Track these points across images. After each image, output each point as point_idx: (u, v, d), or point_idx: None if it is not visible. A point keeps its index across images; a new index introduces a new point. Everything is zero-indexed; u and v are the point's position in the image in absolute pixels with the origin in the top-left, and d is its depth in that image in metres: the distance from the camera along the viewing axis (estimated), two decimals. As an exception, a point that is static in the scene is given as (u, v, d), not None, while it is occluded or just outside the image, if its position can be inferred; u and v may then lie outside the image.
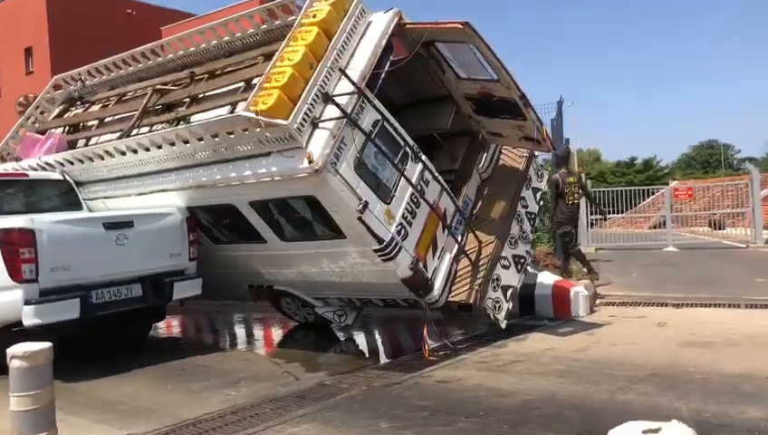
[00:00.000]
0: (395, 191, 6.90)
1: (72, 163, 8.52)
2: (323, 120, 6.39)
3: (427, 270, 7.04)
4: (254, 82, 6.96)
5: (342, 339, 8.72)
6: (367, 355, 8.21)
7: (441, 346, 7.14)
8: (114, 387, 6.54)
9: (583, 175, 15.72)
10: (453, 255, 7.45)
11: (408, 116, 7.70)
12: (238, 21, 8.29)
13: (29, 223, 6.67)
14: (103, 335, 8.38)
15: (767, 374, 5.45)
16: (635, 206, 19.64)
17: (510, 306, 7.62)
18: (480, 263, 7.50)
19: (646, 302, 9.10)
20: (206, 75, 8.21)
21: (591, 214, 16.25)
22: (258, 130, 6.33)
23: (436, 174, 7.39)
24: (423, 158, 7.29)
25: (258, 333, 10.19)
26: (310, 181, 6.33)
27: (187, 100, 8.04)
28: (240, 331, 10.47)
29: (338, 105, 6.44)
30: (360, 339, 8.92)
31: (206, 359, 7.71)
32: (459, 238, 7.54)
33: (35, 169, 8.81)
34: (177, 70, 8.84)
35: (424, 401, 5.30)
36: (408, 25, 7.32)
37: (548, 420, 4.69)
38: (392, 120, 7.04)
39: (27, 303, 6.52)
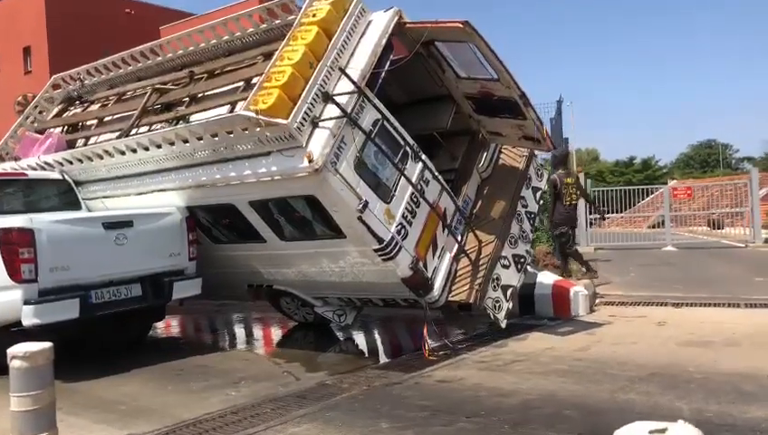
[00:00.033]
0: (395, 191, 6.89)
1: (71, 163, 8.49)
2: (323, 120, 6.38)
3: (427, 270, 7.03)
4: (254, 81, 6.95)
5: (342, 339, 8.72)
6: (367, 355, 8.20)
7: (441, 346, 7.14)
8: (114, 387, 6.53)
9: (582, 175, 15.74)
10: (453, 254, 7.44)
11: (407, 115, 7.69)
12: (238, 20, 8.27)
13: (28, 223, 6.65)
14: (103, 335, 8.37)
15: (768, 373, 5.45)
16: (633, 205, 19.67)
17: (510, 306, 7.61)
18: (480, 262, 7.49)
19: (645, 301, 9.10)
20: (206, 75, 8.20)
21: (590, 214, 16.25)
22: (258, 129, 6.32)
23: (437, 173, 7.38)
24: (423, 157, 7.28)
25: (258, 332, 10.17)
26: (310, 181, 6.32)
27: (187, 99, 8.03)
28: (239, 330, 10.46)
29: (338, 104, 6.42)
30: (360, 339, 8.91)
31: (206, 359, 7.70)
32: (459, 238, 7.53)
33: (34, 169, 8.79)
34: (177, 69, 8.82)
35: (425, 401, 5.30)
36: (407, 25, 7.31)
37: (549, 420, 4.68)
38: (392, 119, 7.03)
39: (26, 303, 6.50)
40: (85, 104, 9.98)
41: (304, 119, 6.28)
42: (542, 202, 9.36)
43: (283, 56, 6.53)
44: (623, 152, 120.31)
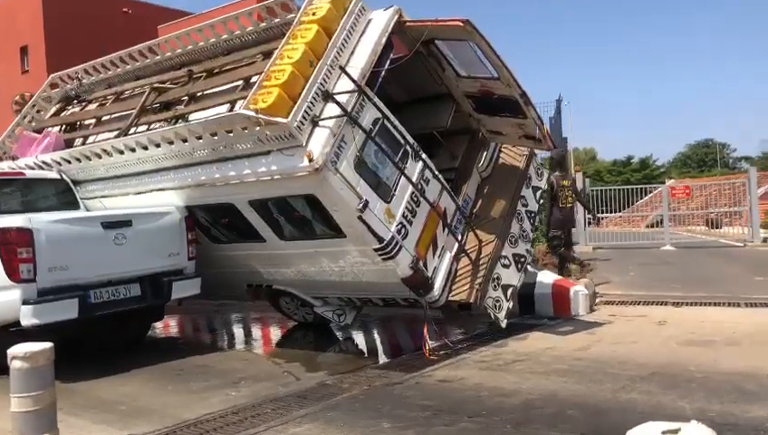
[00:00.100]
0: (395, 190, 6.87)
1: (69, 162, 8.45)
2: (323, 119, 6.36)
3: (427, 269, 7.01)
4: (254, 80, 6.92)
5: (342, 338, 8.70)
6: (367, 355, 8.17)
7: (441, 345, 7.12)
8: (113, 387, 6.50)
9: (581, 174, 15.76)
10: (453, 254, 7.43)
11: (407, 114, 7.67)
12: (237, 19, 8.24)
13: (27, 222, 6.61)
14: (102, 335, 8.34)
15: (769, 373, 5.44)
16: (632, 205, 19.68)
17: (510, 305, 7.60)
18: (480, 262, 7.48)
19: (645, 301, 9.10)
20: (205, 73, 8.17)
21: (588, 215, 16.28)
22: (258, 128, 6.29)
23: (437, 173, 7.36)
24: (423, 156, 7.26)
25: (257, 332, 10.15)
26: (310, 180, 6.30)
27: (186, 98, 8.00)
28: (239, 330, 10.43)
29: (338, 103, 6.40)
30: (360, 338, 8.89)
31: (206, 359, 7.67)
32: (459, 237, 7.52)
33: (32, 168, 8.75)
34: (175, 68, 8.79)
35: (426, 401, 5.28)
36: (408, 23, 7.28)
37: (552, 420, 4.67)
38: (392, 118, 7.01)
39: (25, 303, 6.47)
40: (83, 103, 9.94)
41: (304, 118, 6.25)
42: (541, 201, 9.35)
43: (283, 55, 6.51)
44: (621, 152, 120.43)
